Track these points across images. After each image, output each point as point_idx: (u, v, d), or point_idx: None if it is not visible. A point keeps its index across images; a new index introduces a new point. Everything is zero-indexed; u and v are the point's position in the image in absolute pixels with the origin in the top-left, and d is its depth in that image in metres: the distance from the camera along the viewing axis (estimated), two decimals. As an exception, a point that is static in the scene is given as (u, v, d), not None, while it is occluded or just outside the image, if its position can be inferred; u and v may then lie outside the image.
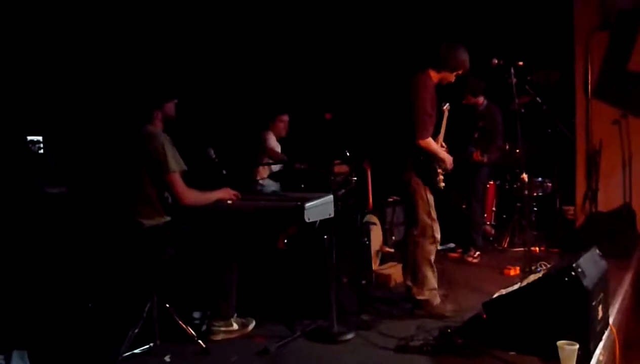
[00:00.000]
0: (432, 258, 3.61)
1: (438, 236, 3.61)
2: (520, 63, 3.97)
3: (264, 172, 5.04)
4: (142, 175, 3.04)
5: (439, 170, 3.60)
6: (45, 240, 3.69)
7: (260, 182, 4.87)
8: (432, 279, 3.59)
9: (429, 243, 3.57)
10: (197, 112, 3.42)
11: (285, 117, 5.25)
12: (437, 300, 3.59)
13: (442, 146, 3.68)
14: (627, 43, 5.58)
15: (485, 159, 5.14)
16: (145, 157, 3.03)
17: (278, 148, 5.18)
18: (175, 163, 3.03)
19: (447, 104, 3.77)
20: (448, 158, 3.61)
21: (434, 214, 3.61)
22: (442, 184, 3.62)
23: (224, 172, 3.46)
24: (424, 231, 3.57)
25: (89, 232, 3.79)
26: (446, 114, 3.75)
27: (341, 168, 4.11)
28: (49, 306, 3.47)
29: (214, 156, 3.45)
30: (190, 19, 5.24)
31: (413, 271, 3.62)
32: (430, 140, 3.52)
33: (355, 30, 6.43)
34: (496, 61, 3.94)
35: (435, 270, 3.65)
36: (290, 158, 4.97)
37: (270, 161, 4.95)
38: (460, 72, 3.64)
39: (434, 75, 3.61)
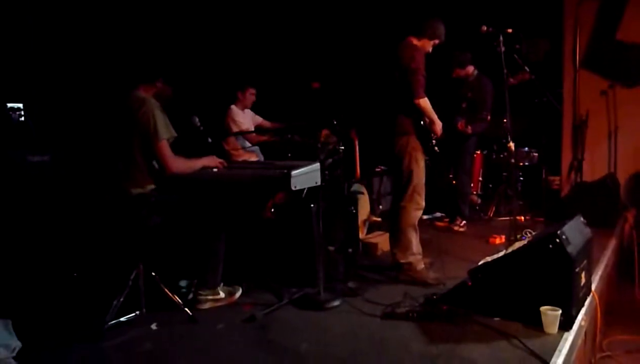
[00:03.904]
0: (416, 223, 3.65)
1: (423, 203, 3.65)
2: (510, 30, 3.94)
3: (235, 144, 4.98)
4: (133, 141, 2.99)
5: (432, 135, 3.62)
6: (29, 210, 3.64)
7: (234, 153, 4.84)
8: (416, 244, 3.63)
9: (415, 209, 3.61)
10: (182, 79, 3.36)
11: (252, 90, 5.08)
12: (420, 265, 3.62)
13: None
14: (616, 13, 5.55)
15: (469, 130, 5.13)
16: (136, 122, 2.97)
17: (246, 120, 5.00)
18: (165, 130, 2.98)
19: None
20: (439, 123, 3.61)
21: (423, 181, 3.63)
22: (437, 148, 3.65)
23: (210, 140, 3.42)
24: (412, 198, 3.60)
25: (73, 201, 3.75)
26: None
27: (329, 138, 4.08)
28: (34, 275, 3.44)
29: (198, 124, 3.40)
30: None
31: (397, 236, 3.65)
32: (427, 99, 3.52)
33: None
34: (485, 28, 3.93)
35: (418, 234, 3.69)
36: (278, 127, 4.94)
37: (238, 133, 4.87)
38: (436, 42, 3.69)
39: (416, 42, 3.64)
